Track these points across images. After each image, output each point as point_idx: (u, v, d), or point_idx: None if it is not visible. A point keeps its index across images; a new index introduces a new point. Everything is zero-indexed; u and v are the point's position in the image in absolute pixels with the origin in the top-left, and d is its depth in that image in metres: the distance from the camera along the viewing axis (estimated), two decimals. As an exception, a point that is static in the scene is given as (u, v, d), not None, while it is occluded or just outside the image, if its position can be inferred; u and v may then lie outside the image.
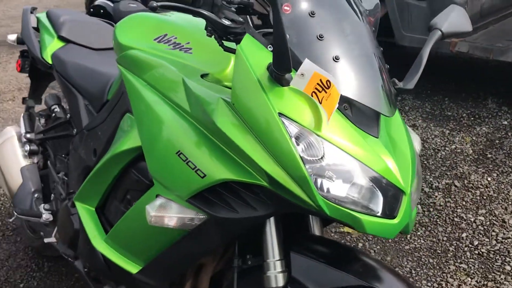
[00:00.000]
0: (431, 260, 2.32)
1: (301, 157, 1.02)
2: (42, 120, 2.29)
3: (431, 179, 2.89)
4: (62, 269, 2.40)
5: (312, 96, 1.02)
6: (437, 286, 2.18)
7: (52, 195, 2.07)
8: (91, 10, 4.03)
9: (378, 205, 1.07)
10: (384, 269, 1.14)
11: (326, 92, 1.02)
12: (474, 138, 3.29)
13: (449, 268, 2.27)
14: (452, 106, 3.75)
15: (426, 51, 1.27)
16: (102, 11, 3.94)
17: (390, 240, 2.45)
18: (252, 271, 1.22)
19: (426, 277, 2.23)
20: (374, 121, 1.14)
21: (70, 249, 1.77)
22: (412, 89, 1.23)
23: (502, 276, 2.20)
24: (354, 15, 1.19)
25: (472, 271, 2.24)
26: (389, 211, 1.09)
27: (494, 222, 2.52)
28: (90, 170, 1.60)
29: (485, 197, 2.71)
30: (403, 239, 2.46)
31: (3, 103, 4.44)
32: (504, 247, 2.35)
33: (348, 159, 1.05)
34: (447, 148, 3.20)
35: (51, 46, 2.14)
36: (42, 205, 1.99)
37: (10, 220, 2.50)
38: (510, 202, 2.65)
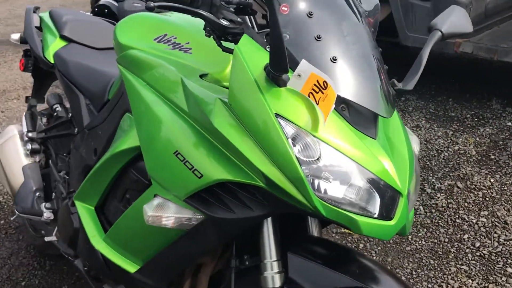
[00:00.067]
0: (432, 262, 2.31)
1: (297, 158, 1.02)
2: (44, 119, 2.30)
3: (433, 180, 2.88)
4: (63, 268, 2.41)
5: (309, 97, 1.02)
6: (437, 287, 2.17)
7: (53, 194, 2.08)
8: (96, 9, 4.05)
9: (375, 207, 1.07)
10: (381, 270, 1.14)
11: (323, 93, 1.02)
12: (477, 139, 3.27)
13: (450, 269, 2.26)
14: (456, 107, 3.74)
15: (426, 51, 1.26)
16: (106, 10, 3.96)
17: (391, 241, 2.45)
18: (250, 272, 1.23)
19: (427, 279, 2.22)
20: (371, 122, 1.14)
21: (70, 248, 1.77)
22: (412, 89, 1.23)
23: (504, 278, 2.18)
24: (353, 16, 1.19)
25: (473, 273, 2.23)
26: (386, 213, 1.08)
27: (496, 223, 2.51)
28: (90, 169, 1.61)
29: (487, 199, 2.70)
30: (404, 240, 2.45)
31: (8, 102, 4.46)
32: (506, 249, 2.34)
33: (345, 160, 1.05)
34: (450, 149, 3.19)
35: (53, 46, 2.15)
36: (43, 203, 2.00)
37: (12, 218, 2.51)
38: (512, 204, 2.64)
